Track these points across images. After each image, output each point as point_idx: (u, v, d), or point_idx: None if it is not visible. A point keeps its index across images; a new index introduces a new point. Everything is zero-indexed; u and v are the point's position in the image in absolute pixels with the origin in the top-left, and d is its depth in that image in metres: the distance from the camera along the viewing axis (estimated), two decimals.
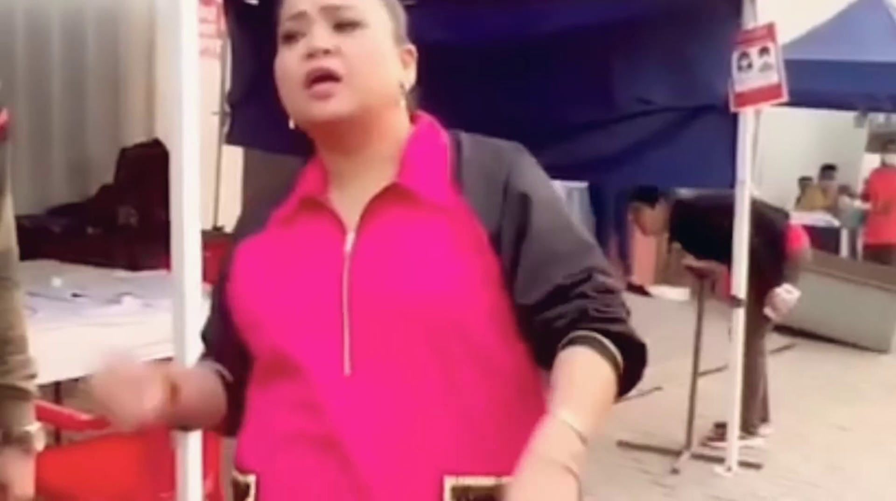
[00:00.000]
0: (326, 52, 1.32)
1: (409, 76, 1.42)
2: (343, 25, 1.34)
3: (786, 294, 5.03)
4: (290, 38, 1.36)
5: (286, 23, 1.37)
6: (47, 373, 3.37)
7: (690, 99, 4.72)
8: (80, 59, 6.20)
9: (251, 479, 1.40)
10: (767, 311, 5.07)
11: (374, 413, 1.29)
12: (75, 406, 4.19)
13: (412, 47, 1.44)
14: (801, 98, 4.73)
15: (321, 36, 1.32)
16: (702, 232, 5.21)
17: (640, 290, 9.64)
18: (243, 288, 1.42)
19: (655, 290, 9.87)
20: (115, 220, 5.72)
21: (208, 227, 5.26)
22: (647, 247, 10.17)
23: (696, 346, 5.19)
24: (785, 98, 4.59)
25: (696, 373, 5.19)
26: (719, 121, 4.66)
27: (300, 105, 1.34)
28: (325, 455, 1.30)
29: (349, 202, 1.38)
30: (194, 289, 2.71)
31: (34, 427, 1.84)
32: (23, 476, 1.84)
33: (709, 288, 5.57)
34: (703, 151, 4.69)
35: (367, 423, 1.29)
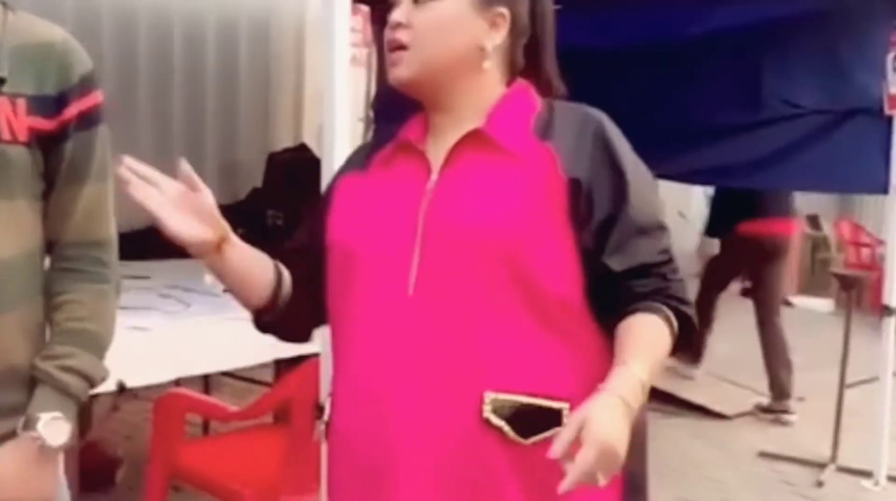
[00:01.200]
0: (399, 24, 1.52)
1: (496, 38, 1.55)
2: None
3: None
4: (391, 10, 1.56)
5: None
6: (198, 366, 3.51)
7: (842, 102, 4.60)
8: (233, 67, 6.39)
9: (328, 399, 1.62)
10: None
11: (428, 331, 1.45)
12: (223, 399, 4.35)
13: (504, 11, 1.54)
14: None
15: (399, 11, 1.53)
16: None
17: (784, 301, 9.39)
18: (338, 216, 1.61)
19: (799, 301, 9.62)
20: (264, 221, 5.88)
21: None
22: (791, 256, 9.92)
23: (843, 355, 5.03)
24: None
25: (842, 383, 5.03)
26: (872, 124, 4.51)
27: (387, 69, 1.55)
28: (382, 368, 1.47)
29: (440, 149, 1.55)
30: None
31: (47, 415, 1.54)
32: (10, 471, 1.54)
33: (855, 299, 5.42)
34: (855, 155, 4.54)
35: (421, 339, 1.45)
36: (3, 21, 1.56)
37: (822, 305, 9.49)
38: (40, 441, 1.54)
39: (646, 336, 1.44)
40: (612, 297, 1.48)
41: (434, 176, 1.52)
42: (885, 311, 4.65)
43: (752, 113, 4.75)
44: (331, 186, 1.68)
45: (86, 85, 1.61)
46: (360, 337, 1.52)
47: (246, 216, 5.98)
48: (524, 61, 1.60)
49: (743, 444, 5.27)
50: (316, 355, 2.80)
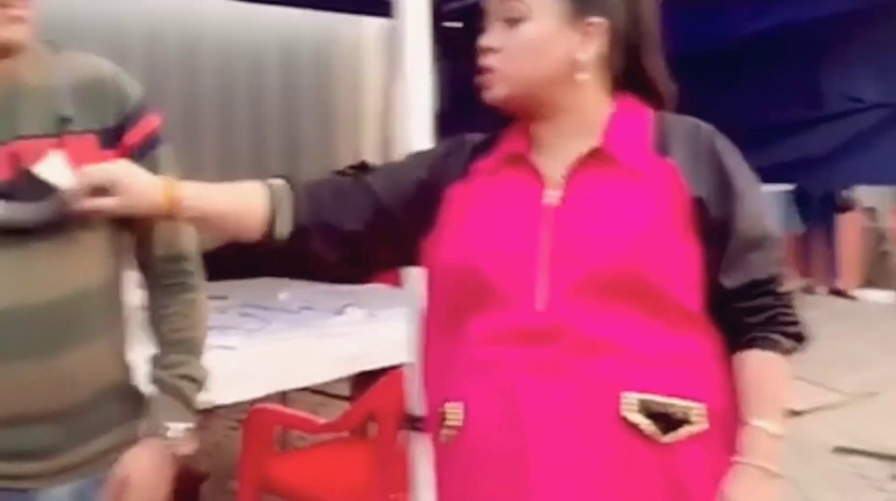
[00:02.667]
0: (489, 49, 1.56)
1: (589, 49, 1.55)
2: (510, 21, 1.55)
3: None
4: (484, 31, 1.59)
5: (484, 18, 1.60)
6: (284, 381, 3.58)
7: None
8: (294, 88, 6.53)
9: (458, 406, 1.58)
10: None
11: (560, 341, 1.47)
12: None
13: (598, 20, 1.54)
14: None
15: (490, 35, 1.57)
16: None
17: (844, 294, 9.33)
18: (454, 235, 1.60)
19: (860, 293, 9.53)
20: None
21: None
22: (851, 250, 9.84)
23: None
24: None
25: None
26: None
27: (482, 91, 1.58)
28: (516, 375, 1.49)
29: (549, 162, 1.57)
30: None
31: (176, 426, 1.66)
32: (144, 472, 1.64)
33: None
34: None
35: (554, 348, 1.47)
36: (56, 61, 1.62)
37: (885, 296, 9.40)
38: (172, 449, 1.67)
39: (767, 382, 1.52)
40: (727, 314, 1.53)
41: (552, 191, 1.54)
42: None
43: (814, 109, 4.78)
44: (438, 187, 1.66)
45: (141, 111, 1.67)
46: (488, 347, 1.53)
47: None
48: (627, 68, 1.60)
49: (817, 440, 5.25)
50: (398, 366, 2.85)
